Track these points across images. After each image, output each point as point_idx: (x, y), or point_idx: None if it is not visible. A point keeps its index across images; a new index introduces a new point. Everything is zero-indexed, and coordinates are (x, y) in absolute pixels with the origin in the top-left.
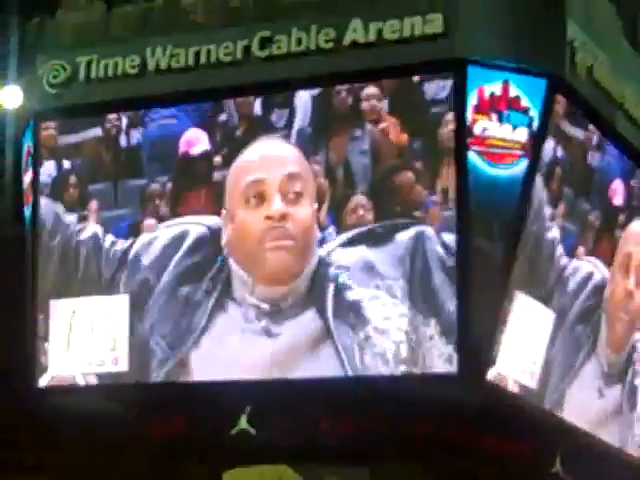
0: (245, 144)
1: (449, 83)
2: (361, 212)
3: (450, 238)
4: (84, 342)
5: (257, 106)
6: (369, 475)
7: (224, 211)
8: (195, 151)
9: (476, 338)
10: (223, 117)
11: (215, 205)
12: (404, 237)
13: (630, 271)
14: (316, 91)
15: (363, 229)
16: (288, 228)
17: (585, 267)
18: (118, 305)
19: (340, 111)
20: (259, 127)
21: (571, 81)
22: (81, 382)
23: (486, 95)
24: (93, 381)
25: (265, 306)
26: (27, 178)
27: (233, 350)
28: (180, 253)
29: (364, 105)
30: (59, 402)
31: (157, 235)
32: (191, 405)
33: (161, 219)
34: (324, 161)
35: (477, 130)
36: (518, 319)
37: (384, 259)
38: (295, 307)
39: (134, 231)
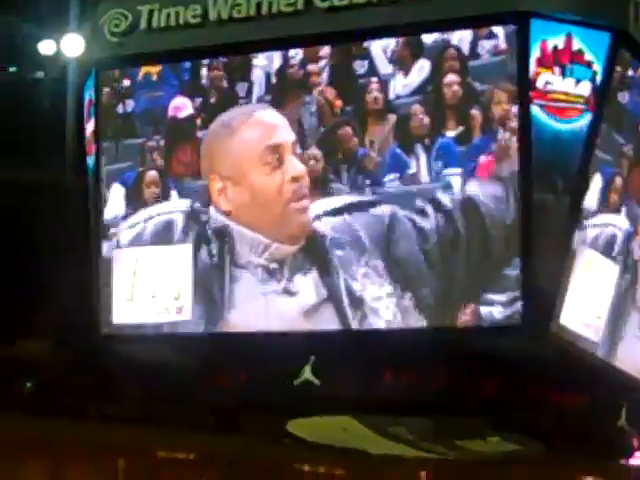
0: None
1: None
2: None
3: None
4: (148, 291)
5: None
6: (432, 426)
7: (214, 176)
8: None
9: (540, 291)
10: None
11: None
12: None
13: None
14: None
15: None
16: (304, 187)
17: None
18: (182, 254)
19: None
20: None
21: (635, 35)
22: (144, 331)
23: (549, 48)
24: (156, 330)
25: (274, 265)
26: (89, 127)
27: (263, 313)
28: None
29: None
30: (121, 350)
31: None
32: (254, 355)
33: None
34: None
35: (540, 83)
36: (582, 272)
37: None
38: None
39: None
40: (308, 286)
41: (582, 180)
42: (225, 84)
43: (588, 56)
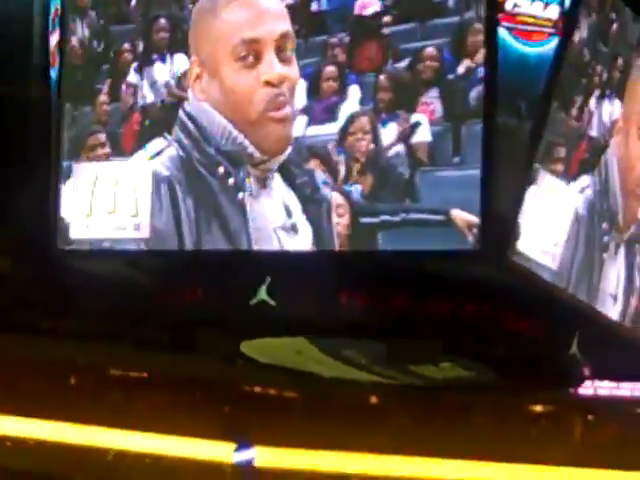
0: None
1: None
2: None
3: None
4: (106, 207)
5: None
6: (385, 350)
7: (195, 59)
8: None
9: (499, 216)
10: None
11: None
12: None
13: None
14: None
15: None
16: (285, 93)
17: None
18: (141, 171)
19: None
20: None
21: None
22: (101, 247)
23: None
24: (113, 246)
25: (270, 174)
26: (54, 39)
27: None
28: None
29: None
30: (78, 266)
31: None
32: (210, 274)
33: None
34: None
35: (508, 6)
36: (541, 198)
37: None
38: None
39: None
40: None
41: (545, 105)
42: None
43: None
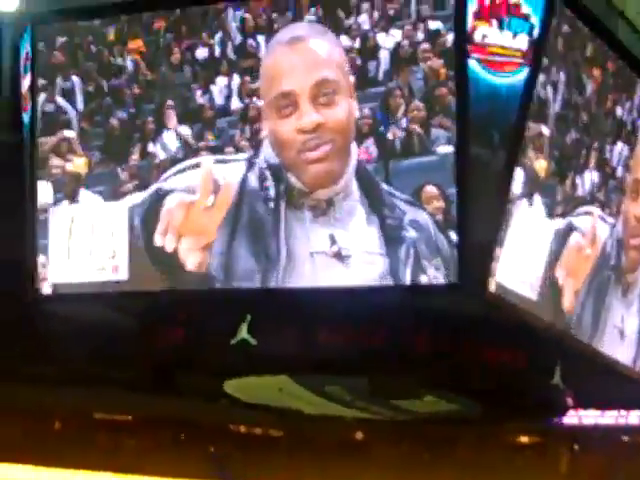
0: None
1: None
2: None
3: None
4: (84, 250)
5: None
6: (368, 385)
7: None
8: None
9: (476, 248)
10: None
11: None
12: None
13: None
14: None
15: None
16: (322, 135)
17: None
18: (118, 212)
19: None
20: None
21: None
22: (81, 290)
23: (486, 1)
24: (93, 289)
25: (323, 205)
26: (25, 83)
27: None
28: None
29: None
30: (57, 310)
31: None
32: (191, 314)
33: None
34: None
35: (477, 37)
36: (518, 229)
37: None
38: (347, 200)
39: None
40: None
41: (518, 134)
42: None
43: (525, 9)
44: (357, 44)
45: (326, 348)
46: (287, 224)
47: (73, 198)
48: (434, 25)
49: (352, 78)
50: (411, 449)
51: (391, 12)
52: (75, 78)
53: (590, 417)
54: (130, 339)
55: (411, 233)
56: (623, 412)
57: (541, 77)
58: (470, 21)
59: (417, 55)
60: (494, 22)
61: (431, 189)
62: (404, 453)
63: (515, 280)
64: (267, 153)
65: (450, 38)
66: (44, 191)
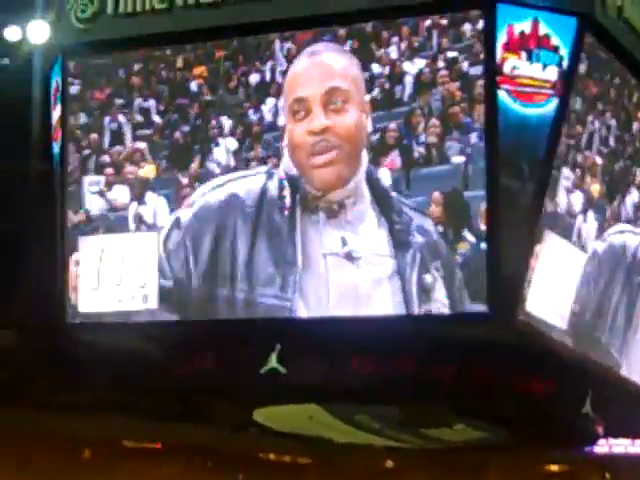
0: None
1: None
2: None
3: None
4: (113, 280)
5: None
6: (399, 413)
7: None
8: None
9: (507, 278)
10: None
11: None
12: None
13: None
14: None
15: None
16: (330, 139)
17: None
18: (147, 242)
19: None
20: None
21: (601, 20)
22: (110, 319)
23: (516, 33)
24: (122, 319)
25: (335, 206)
26: (55, 114)
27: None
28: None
29: None
30: (87, 339)
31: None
32: (221, 343)
33: None
34: None
35: (507, 69)
36: (548, 259)
37: None
38: (358, 204)
39: None
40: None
41: (548, 166)
42: None
43: (555, 41)
44: (386, 71)
45: (355, 377)
46: (303, 229)
47: (140, 200)
48: (452, 54)
49: (367, 96)
50: (440, 476)
51: (416, 44)
52: (151, 99)
53: (621, 446)
54: (159, 367)
55: (417, 238)
56: None
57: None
58: (499, 53)
59: (436, 80)
60: (523, 54)
61: (438, 195)
62: None
63: (545, 309)
64: (285, 163)
65: (465, 65)
66: (121, 192)
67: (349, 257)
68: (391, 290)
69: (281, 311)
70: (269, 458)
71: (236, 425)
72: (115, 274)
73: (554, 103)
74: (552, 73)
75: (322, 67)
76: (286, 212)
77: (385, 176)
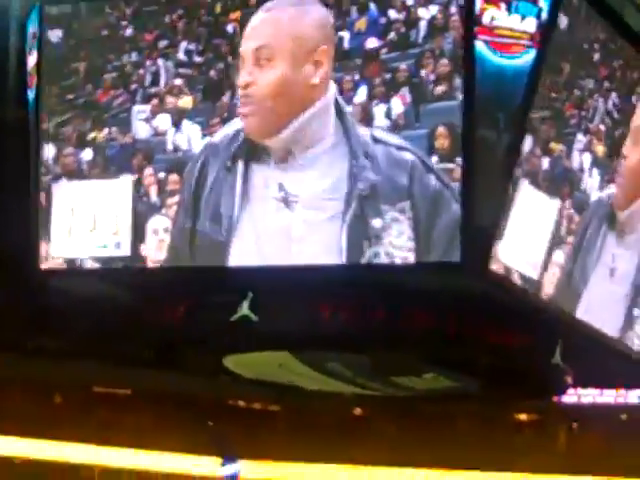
0: None
1: None
2: None
3: None
4: (86, 226)
5: None
6: (369, 363)
7: None
8: None
9: (480, 228)
10: None
11: None
12: None
13: None
14: None
15: None
16: (250, 94)
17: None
18: (121, 188)
19: None
20: None
21: None
22: (83, 265)
23: None
24: (95, 265)
25: (280, 153)
26: (31, 60)
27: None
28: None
29: None
30: (61, 285)
31: None
32: (192, 291)
33: None
34: None
35: (485, 19)
36: (522, 209)
37: None
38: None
39: None
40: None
41: (524, 117)
42: None
43: None
44: (402, 16)
45: (327, 325)
46: (247, 174)
47: (178, 126)
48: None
49: (323, 49)
50: (410, 425)
51: None
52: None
53: (589, 396)
54: (131, 315)
55: (372, 178)
56: (622, 391)
57: None
58: (479, 3)
59: (449, 24)
60: (502, 5)
61: (443, 129)
62: (403, 429)
63: (518, 259)
64: None
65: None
66: (163, 120)
67: (285, 201)
68: (331, 234)
69: (221, 250)
70: (239, 405)
71: (206, 372)
72: (88, 220)
73: (531, 55)
74: (530, 25)
75: (264, 24)
76: (232, 158)
77: (397, 107)
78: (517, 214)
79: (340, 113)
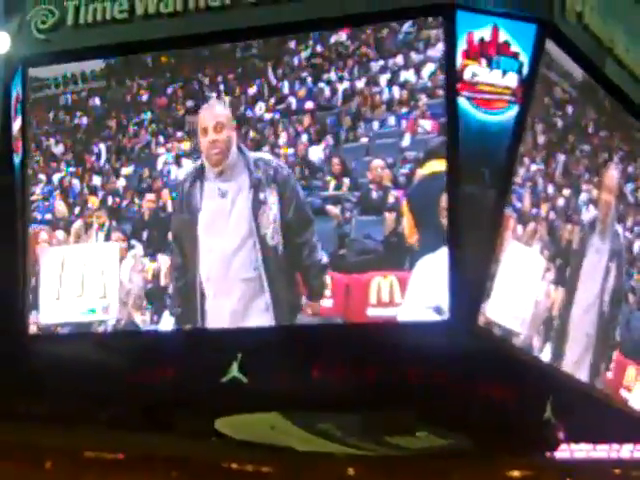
0: None
1: None
2: None
3: None
4: (74, 290)
5: None
6: (361, 422)
7: None
8: None
9: (467, 285)
10: None
11: None
12: None
13: None
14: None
15: None
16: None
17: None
18: (108, 253)
19: None
20: None
21: (561, 26)
22: (71, 330)
23: (475, 40)
24: (82, 329)
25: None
26: (16, 125)
27: None
28: None
29: None
30: (48, 350)
31: None
32: (182, 353)
33: None
34: None
35: (467, 75)
36: (509, 265)
37: None
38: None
39: None
40: None
41: (509, 172)
42: None
43: (514, 47)
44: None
45: (318, 385)
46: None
47: None
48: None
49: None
50: None
51: None
52: None
53: (582, 451)
54: (121, 377)
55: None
56: (615, 446)
57: None
58: (460, 60)
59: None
60: (483, 61)
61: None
62: None
63: (506, 315)
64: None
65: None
66: None
67: (223, 195)
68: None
69: None
70: (232, 467)
71: (198, 434)
72: (76, 285)
73: (514, 110)
74: (512, 80)
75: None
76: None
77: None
78: (504, 269)
79: None
